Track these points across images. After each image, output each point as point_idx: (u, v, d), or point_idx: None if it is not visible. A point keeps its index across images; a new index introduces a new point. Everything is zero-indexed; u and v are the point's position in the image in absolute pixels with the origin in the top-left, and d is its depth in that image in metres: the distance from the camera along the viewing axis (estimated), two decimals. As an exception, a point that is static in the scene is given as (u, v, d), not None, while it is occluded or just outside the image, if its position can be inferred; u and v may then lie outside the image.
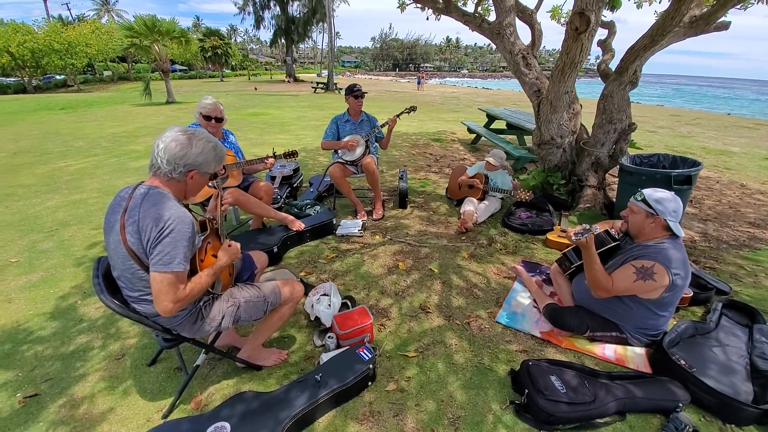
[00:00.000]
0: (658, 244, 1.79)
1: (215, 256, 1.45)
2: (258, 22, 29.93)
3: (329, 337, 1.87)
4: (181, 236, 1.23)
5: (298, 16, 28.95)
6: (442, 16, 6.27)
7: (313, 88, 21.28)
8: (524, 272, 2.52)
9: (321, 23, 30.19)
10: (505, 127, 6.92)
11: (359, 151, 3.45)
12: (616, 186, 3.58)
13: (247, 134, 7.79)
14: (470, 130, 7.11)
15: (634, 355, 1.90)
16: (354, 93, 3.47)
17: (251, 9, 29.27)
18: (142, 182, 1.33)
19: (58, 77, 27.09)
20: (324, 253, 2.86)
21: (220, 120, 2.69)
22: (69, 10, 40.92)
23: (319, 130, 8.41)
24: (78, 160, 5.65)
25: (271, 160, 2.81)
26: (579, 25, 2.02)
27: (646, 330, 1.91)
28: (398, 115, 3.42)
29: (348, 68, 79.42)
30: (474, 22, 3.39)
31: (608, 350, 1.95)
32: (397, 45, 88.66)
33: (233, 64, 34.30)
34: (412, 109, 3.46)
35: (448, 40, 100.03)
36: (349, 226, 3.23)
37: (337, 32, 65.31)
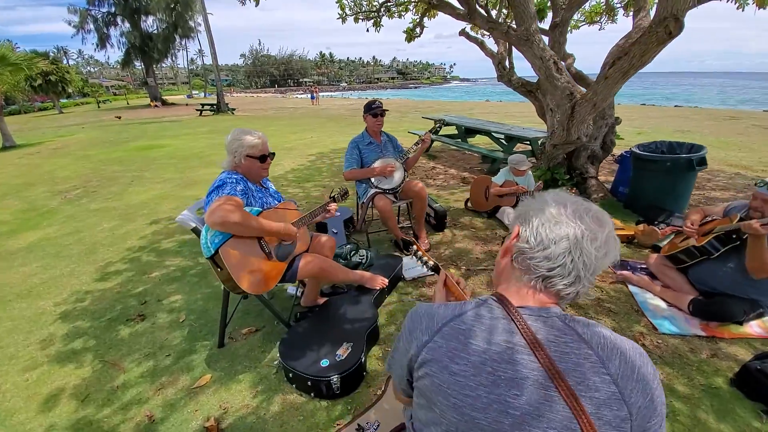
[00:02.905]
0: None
1: None
2: (102, 41, 24.87)
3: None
4: None
5: (156, 31, 25.10)
6: (381, 28, 6.18)
7: (198, 110, 18.60)
8: (633, 276, 2.48)
9: (186, 39, 26.84)
10: (456, 133, 7.16)
11: (398, 176, 2.97)
12: (614, 175, 3.96)
13: (161, 174, 6.17)
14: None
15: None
16: (372, 111, 2.97)
17: (92, 27, 24.12)
18: None
19: None
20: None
21: (273, 155, 1.93)
22: None
23: None
24: None
25: (333, 205, 2.12)
26: (674, 30, 2.10)
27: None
28: (431, 132, 3.06)
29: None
30: (500, 28, 3.29)
31: (755, 327, 2.04)
32: (271, 61, 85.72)
33: (70, 91, 27.39)
34: (442, 122, 3.14)
35: (323, 54, 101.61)
36: (415, 265, 2.71)
37: (200, 49, 59.18)
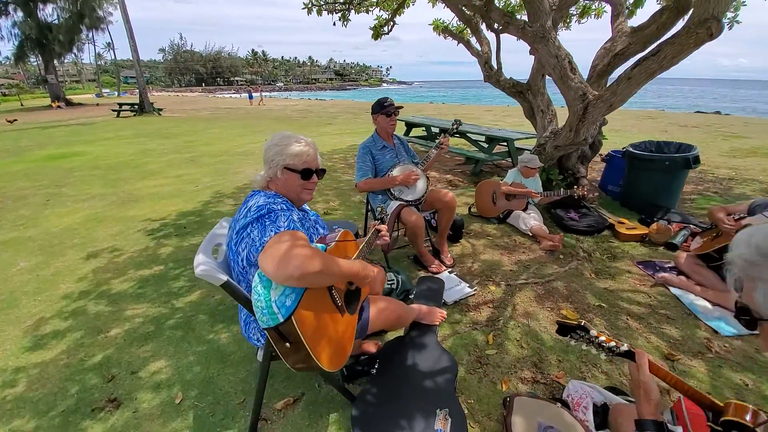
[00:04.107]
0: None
1: None
2: (-14, 30, 20.30)
3: None
4: None
5: (57, 22, 21.25)
6: (348, 22, 5.73)
7: (114, 111, 16.06)
8: (674, 278, 2.44)
9: (93, 30, 23.19)
10: (426, 134, 7.00)
11: (421, 185, 2.61)
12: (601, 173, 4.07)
13: (84, 189, 5.00)
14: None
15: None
16: (386, 110, 2.58)
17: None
18: None
19: None
20: (476, 339, 1.99)
21: (323, 172, 1.42)
22: None
23: (209, 167, 6.31)
24: None
25: (383, 227, 1.69)
26: (715, 31, 2.05)
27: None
28: (449, 133, 2.76)
29: (133, 85, 64.41)
30: (516, 24, 3.07)
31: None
32: (196, 58, 78.71)
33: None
34: (458, 123, 2.86)
35: (255, 53, 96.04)
36: (453, 286, 2.39)
37: (110, 42, 51.56)
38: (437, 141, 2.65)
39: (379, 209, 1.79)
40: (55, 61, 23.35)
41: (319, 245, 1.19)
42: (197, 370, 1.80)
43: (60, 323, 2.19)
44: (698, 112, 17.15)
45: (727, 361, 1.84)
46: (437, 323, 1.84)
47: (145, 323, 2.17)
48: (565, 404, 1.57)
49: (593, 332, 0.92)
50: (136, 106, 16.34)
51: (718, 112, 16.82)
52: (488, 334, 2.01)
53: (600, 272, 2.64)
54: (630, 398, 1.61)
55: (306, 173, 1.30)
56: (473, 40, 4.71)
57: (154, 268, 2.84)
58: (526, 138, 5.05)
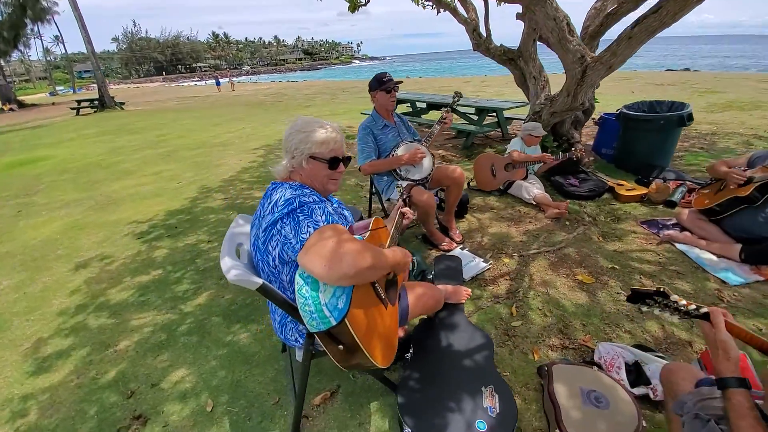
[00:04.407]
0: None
1: None
2: None
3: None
4: None
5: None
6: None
7: (73, 109, 14.95)
8: (679, 235, 2.50)
9: (39, 23, 21.14)
10: (410, 110, 6.84)
11: (427, 163, 2.53)
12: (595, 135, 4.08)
13: (58, 195, 4.66)
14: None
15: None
16: (385, 85, 2.46)
17: None
18: None
19: None
20: (500, 312, 1.99)
21: (348, 160, 1.31)
22: None
23: (187, 161, 5.97)
24: None
25: (407, 209, 1.62)
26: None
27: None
28: (450, 108, 2.66)
29: (89, 80, 59.84)
30: None
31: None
32: (153, 45, 73.68)
33: None
34: (459, 95, 2.75)
35: (216, 36, 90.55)
36: (468, 263, 2.37)
37: (58, 35, 47.09)
38: (441, 116, 2.56)
39: (398, 190, 1.70)
40: (1, 61, 21.30)
41: (356, 237, 1.12)
42: (222, 374, 1.73)
43: (61, 342, 2.05)
44: (668, 70, 17.49)
45: (738, 309, 1.91)
46: (463, 301, 1.82)
47: (155, 332, 2.06)
48: (599, 366, 1.60)
49: (674, 297, 0.90)
50: (96, 102, 15.23)
51: (687, 69, 17.21)
52: (511, 306, 2.02)
53: (607, 235, 2.68)
54: (658, 353, 1.66)
55: (333, 162, 1.20)
56: (460, 8, 4.51)
57: (152, 273, 2.69)
58: (516, 107, 4.99)
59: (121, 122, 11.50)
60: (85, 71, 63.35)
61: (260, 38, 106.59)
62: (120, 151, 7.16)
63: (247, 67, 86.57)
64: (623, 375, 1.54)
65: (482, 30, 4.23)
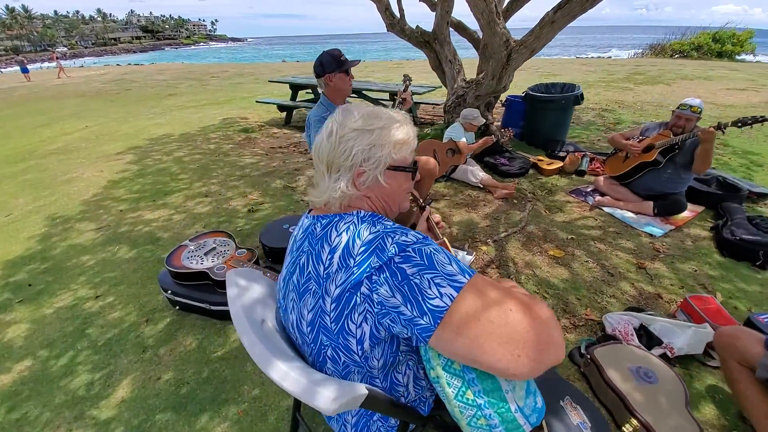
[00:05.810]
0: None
1: None
2: None
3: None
4: None
5: None
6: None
7: None
8: (604, 199, 2.89)
9: None
10: (313, 97, 6.29)
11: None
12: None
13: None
14: (281, 108, 5.91)
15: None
16: (344, 66, 2.08)
17: None
18: None
19: None
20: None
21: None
22: None
23: (13, 181, 4.06)
24: None
25: (437, 216, 1.35)
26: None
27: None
28: (404, 90, 2.42)
29: None
30: None
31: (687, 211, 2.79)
32: None
33: None
34: (409, 78, 2.52)
35: (11, 9, 66.21)
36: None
37: None
38: (399, 95, 2.32)
39: (412, 194, 1.41)
40: None
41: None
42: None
43: None
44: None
45: (673, 257, 2.30)
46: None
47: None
48: (615, 339, 1.70)
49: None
50: None
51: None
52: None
53: (550, 208, 2.94)
54: (650, 311, 1.85)
55: (414, 169, 0.84)
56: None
57: (16, 368, 1.74)
58: (428, 91, 5.07)
59: None
60: None
61: (76, 11, 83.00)
62: None
63: (63, 48, 66.87)
64: (637, 341, 1.67)
65: (395, 10, 4.07)
